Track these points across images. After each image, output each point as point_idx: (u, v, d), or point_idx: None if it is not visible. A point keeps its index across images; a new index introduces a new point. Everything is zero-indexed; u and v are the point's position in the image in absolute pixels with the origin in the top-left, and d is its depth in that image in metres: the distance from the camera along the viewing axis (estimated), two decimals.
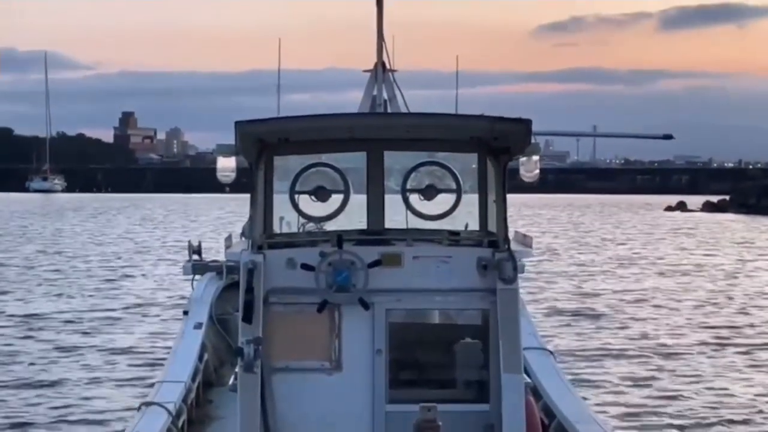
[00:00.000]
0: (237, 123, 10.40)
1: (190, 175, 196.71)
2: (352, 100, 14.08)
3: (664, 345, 25.22)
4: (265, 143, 11.23)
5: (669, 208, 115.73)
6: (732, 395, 19.99)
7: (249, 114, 11.86)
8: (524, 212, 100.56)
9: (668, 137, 14.85)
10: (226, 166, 11.32)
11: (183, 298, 22.28)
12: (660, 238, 67.62)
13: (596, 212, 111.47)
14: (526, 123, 10.36)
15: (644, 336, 26.59)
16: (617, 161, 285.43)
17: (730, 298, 34.88)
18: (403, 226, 12.24)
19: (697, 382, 21.02)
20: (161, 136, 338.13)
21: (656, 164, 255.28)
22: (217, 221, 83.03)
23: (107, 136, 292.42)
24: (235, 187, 12.39)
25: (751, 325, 28.64)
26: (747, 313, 31.11)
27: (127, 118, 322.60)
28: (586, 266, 46.26)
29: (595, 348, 24.69)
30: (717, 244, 62.13)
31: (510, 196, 11.06)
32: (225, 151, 11.14)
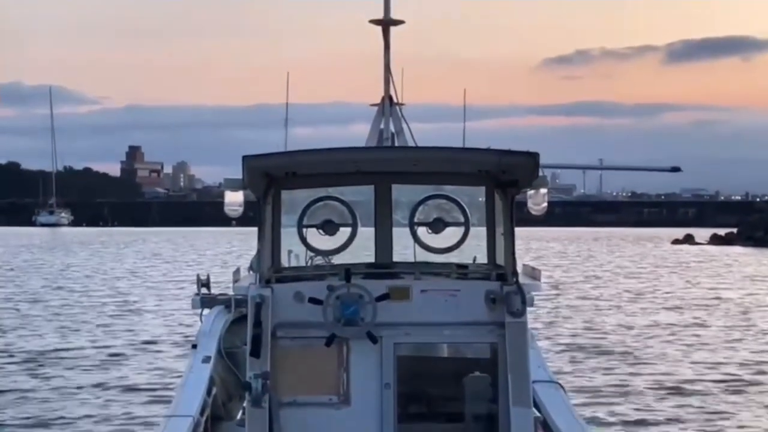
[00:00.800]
0: (244, 157, 10.43)
1: (197, 209, 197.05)
2: (359, 134, 14.11)
3: (679, 382, 24.78)
4: (273, 177, 11.25)
5: (676, 241, 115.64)
6: None
7: (256, 148, 11.87)
8: (532, 245, 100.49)
9: (676, 170, 14.86)
10: (234, 200, 11.33)
11: (191, 331, 22.23)
12: (671, 271, 67.41)
13: (604, 245, 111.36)
14: (534, 156, 10.38)
15: (658, 372, 26.16)
16: (624, 194, 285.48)
17: (746, 334, 34.29)
18: (411, 260, 12.24)
19: (714, 420, 20.71)
20: (168, 170, 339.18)
21: (663, 197, 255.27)
22: (225, 255, 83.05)
23: (114, 170, 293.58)
24: (243, 220, 12.41)
25: None
26: (765, 351, 30.48)
27: (133, 152, 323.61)
28: (597, 300, 46.07)
29: (606, 384, 24.40)
30: (728, 277, 61.90)
31: (517, 229, 11.06)
32: (232, 185, 11.16)
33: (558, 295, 47.44)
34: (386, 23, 13.84)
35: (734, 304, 44.66)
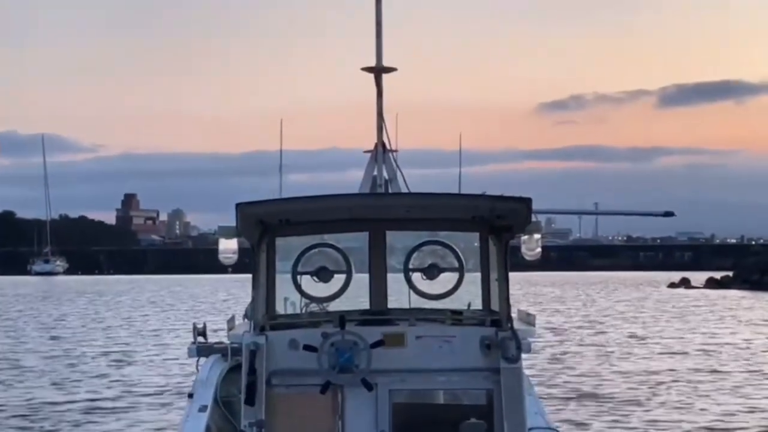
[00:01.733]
0: (238, 205, 10.47)
1: (193, 256, 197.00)
2: (354, 180, 14.15)
3: (684, 431, 24.33)
4: (267, 224, 11.28)
5: (673, 285, 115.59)
6: None
7: (251, 195, 11.92)
8: (530, 289, 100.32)
9: (669, 214, 14.88)
10: (228, 247, 11.36)
11: (188, 381, 22.11)
12: (673, 316, 67.08)
13: (601, 289, 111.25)
14: (527, 202, 10.43)
15: (661, 420, 25.70)
16: (620, 238, 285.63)
17: (753, 380, 33.35)
18: (406, 306, 12.24)
19: None
20: (163, 217, 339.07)
21: (659, 241, 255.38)
22: (222, 302, 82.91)
23: (110, 218, 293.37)
24: (239, 267, 12.41)
25: None
26: None
27: (129, 200, 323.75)
28: (598, 346, 45.71)
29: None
30: (730, 322, 61.60)
31: (513, 274, 11.07)
32: (226, 232, 11.19)
33: (560, 341, 47.09)
34: (378, 71, 13.91)
35: (739, 348, 44.22)
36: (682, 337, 49.97)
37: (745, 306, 78.00)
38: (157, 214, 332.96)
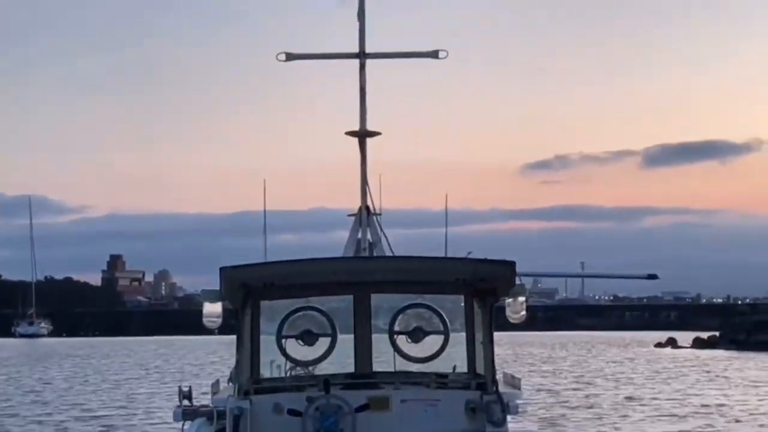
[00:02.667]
0: (222, 269, 10.48)
1: (179, 317, 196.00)
2: (339, 241, 14.20)
3: None
4: (251, 288, 11.30)
5: (659, 345, 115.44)
6: None
7: (237, 256, 11.94)
8: (517, 350, 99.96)
9: (652, 277, 14.92)
10: (212, 311, 11.35)
11: None
12: (668, 376, 66.69)
13: (587, 349, 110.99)
14: (510, 265, 10.47)
15: None
16: (606, 298, 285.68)
17: None
18: (391, 369, 12.22)
19: None
20: (149, 278, 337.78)
21: (645, 300, 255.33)
22: (209, 364, 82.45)
23: (95, 279, 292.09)
24: (225, 328, 12.39)
25: None
26: None
27: (114, 261, 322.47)
28: (590, 408, 45.26)
29: None
30: (723, 382, 61.21)
31: (499, 334, 11.09)
32: (210, 296, 11.19)
33: (551, 403, 46.63)
34: (362, 135, 14.01)
35: (735, 411, 43.76)
36: (676, 399, 49.57)
37: (736, 367, 77.81)
38: (143, 275, 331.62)
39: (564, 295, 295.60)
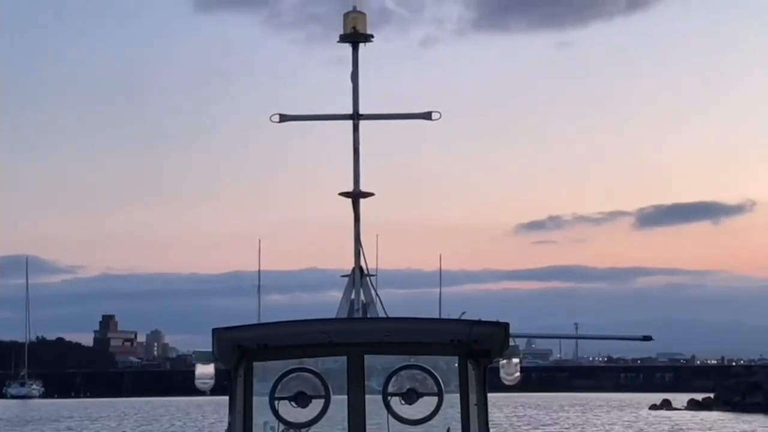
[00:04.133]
0: (214, 330, 10.43)
1: (171, 378, 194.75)
2: (331, 301, 14.17)
3: None
4: (244, 349, 11.23)
5: (654, 407, 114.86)
6: None
7: (230, 316, 11.93)
8: (513, 411, 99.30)
9: (647, 338, 14.89)
10: (205, 373, 11.28)
11: None
12: None
13: (582, 412, 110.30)
14: (504, 326, 10.44)
15: None
16: (600, 359, 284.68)
17: None
18: (385, 431, 12.13)
19: None
20: (142, 338, 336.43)
21: (639, 362, 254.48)
22: (200, 426, 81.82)
23: (87, 339, 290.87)
24: (217, 389, 12.31)
25: None
26: None
27: (107, 321, 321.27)
28: None
29: None
30: None
31: (494, 395, 11.02)
32: (203, 358, 11.12)
33: None
34: (356, 196, 14.01)
35: None
36: None
37: (730, 428, 77.25)
38: (135, 336, 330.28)
39: (558, 356, 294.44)
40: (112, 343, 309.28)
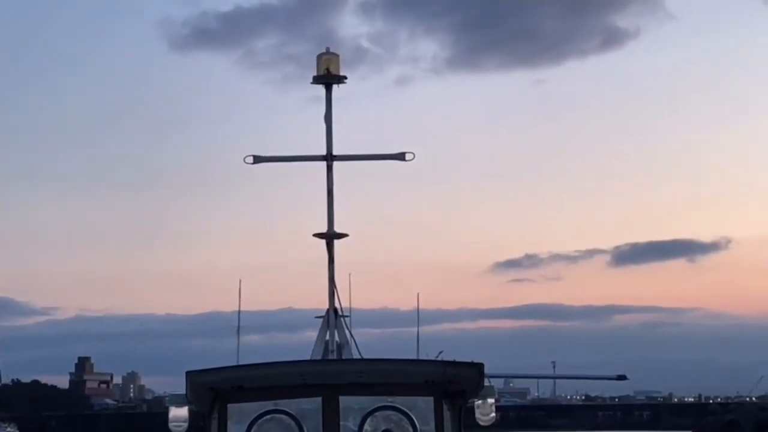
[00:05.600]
0: (188, 373, 10.39)
1: (146, 420, 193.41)
2: (308, 342, 14.14)
3: None
4: (219, 391, 11.19)
5: None
6: None
7: (207, 357, 11.90)
8: None
9: (622, 378, 14.91)
10: (178, 415, 11.22)
11: None
12: None
13: None
14: (478, 367, 10.44)
15: None
16: (578, 397, 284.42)
17: None
18: None
19: None
20: (118, 380, 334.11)
21: (617, 400, 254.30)
22: None
23: (63, 382, 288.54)
24: (194, 431, 12.24)
25: None
26: None
27: (82, 363, 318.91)
28: None
29: None
30: None
31: None
32: (177, 400, 11.07)
33: None
34: (330, 237, 14.02)
35: None
36: None
37: None
38: (111, 378, 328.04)
39: (536, 394, 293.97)
40: (88, 385, 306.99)
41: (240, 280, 14.65)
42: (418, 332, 16.57)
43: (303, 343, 14.22)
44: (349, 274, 14.20)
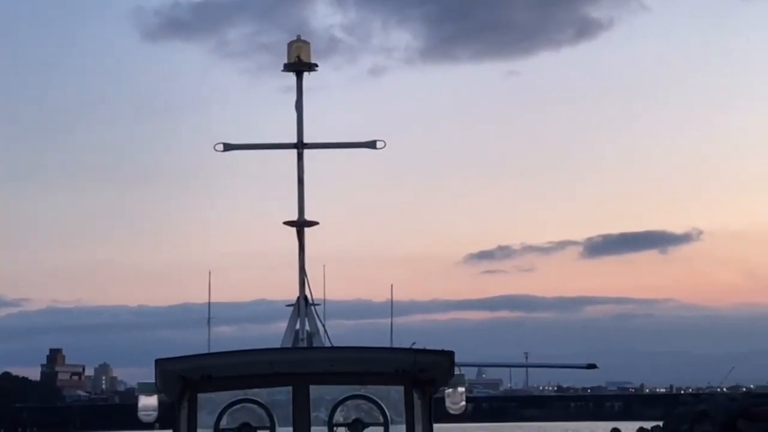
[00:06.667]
0: (157, 361, 10.33)
1: (119, 412, 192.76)
2: (280, 332, 14.10)
3: None
4: (188, 380, 11.12)
5: None
6: None
7: (179, 348, 11.81)
8: None
9: (591, 366, 14.94)
10: (148, 404, 11.15)
11: None
12: None
13: None
14: (449, 355, 10.42)
15: None
16: (550, 388, 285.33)
17: None
18: None
19: None
20: (90, 372, 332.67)
21: (589, 390, 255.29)
22: None
23: (34, 373, 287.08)
24: (167, 421, 12.19)
25: None
26: None
27: (54, 355, 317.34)
28: None
29: None
30: None
31: (442, 426, 10.99)
32: (146, 389, 11.00)
33: None
34: (300, 225, 13.97)
35: None
36: None
37: None
38: (83, 369, 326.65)
39: (509, 385, 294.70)
40: (60, 377, 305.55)
41: (210, 272, 14.60)
42: (392, 323, 16.53)
43: (275, 334, 14.21)
44: (324, 266, 14.16)
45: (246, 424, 11.99)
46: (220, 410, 12.00)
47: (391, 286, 15.92)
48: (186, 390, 11.16)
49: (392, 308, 16.65)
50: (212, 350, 12.55)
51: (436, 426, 11.68)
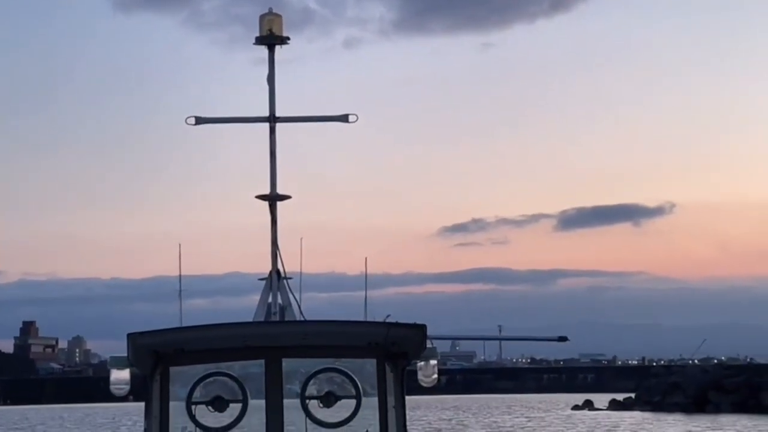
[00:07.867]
0: (129, 335, 10.34)
1: (93, 384, 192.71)
2: (253, 306, 14.11)
3: None
4: (161, 354, 11.14)
5: (576, 407, 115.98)
6: None
7: (152, 321, 11.82)
8: (443, 415, 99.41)
9: (563, 339, 15.03)
10: (120, 378, 11.17)
11: None
12: None
13: (506, 413, 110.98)
14: (421, 328, 10.47)
15: None
16: (524, 360, 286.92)
17: None
18: None
19: None
20: (63, 344, 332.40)
21: (562, 363, 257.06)
22: None
23: (7, 346, 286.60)
24: (140, 394, 12.20)
25: None
26: None
27: (27, 328, 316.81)
28: None
29: None
30: None
31: (416, 397, 11.06)
32: (118, 363, 11.01)
33: None
34: (273, 198, 13.96)
35: None
36: None
37: (648, 429, 78.16)
38: (57, 342, 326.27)
39: (482, 358, 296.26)
40: (33, 349, 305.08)
41: (180, 244, 14.56)
42: (366, 296, 16.56)
43: (249, 307, 14.22)
44: (301, 239, 14.16)
45: (218, 397, 12.02)
46: (192, 383, 12.03)
47: (365, 259, 15.93)
48: (158, 363, 11.17)
49: (366, 281, 16.67)
50: (185, 323, 12.56)
51: (409, 398, 11.75)
